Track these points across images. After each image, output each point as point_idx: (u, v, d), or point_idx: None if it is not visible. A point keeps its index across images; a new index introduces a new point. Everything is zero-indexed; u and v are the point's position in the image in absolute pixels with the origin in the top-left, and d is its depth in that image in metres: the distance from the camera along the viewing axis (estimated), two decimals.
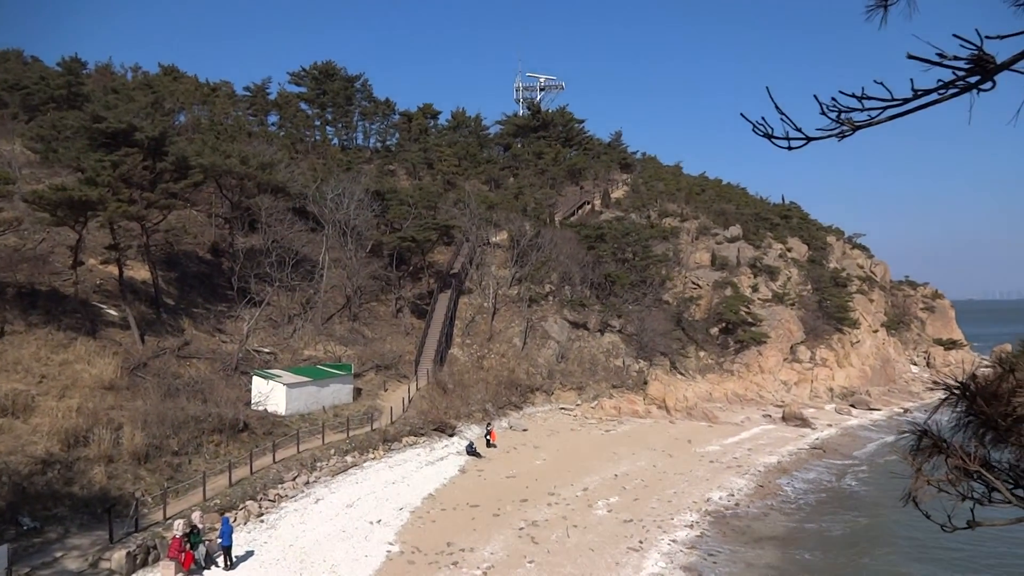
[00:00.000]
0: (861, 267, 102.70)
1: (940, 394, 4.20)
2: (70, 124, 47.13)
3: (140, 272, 45.03)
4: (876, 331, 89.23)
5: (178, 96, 75.67)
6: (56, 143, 46.96)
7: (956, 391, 4.08)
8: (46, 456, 26.48)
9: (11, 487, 24.34)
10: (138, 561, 23.33)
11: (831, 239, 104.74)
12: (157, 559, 23.80)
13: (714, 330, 76.44)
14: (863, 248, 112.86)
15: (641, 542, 29.92)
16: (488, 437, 42.96)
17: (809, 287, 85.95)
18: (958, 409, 4.15)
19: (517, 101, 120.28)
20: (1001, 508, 4.13)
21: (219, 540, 24.17)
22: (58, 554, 22.93)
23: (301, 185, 60.18)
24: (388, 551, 26.89)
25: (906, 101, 3.32)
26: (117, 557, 22.89)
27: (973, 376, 4.11)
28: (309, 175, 64.46)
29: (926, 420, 4.44)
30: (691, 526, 32.66)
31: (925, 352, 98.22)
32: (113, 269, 41.64)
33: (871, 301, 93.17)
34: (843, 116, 3.44)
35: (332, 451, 36.64)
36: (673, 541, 30.51)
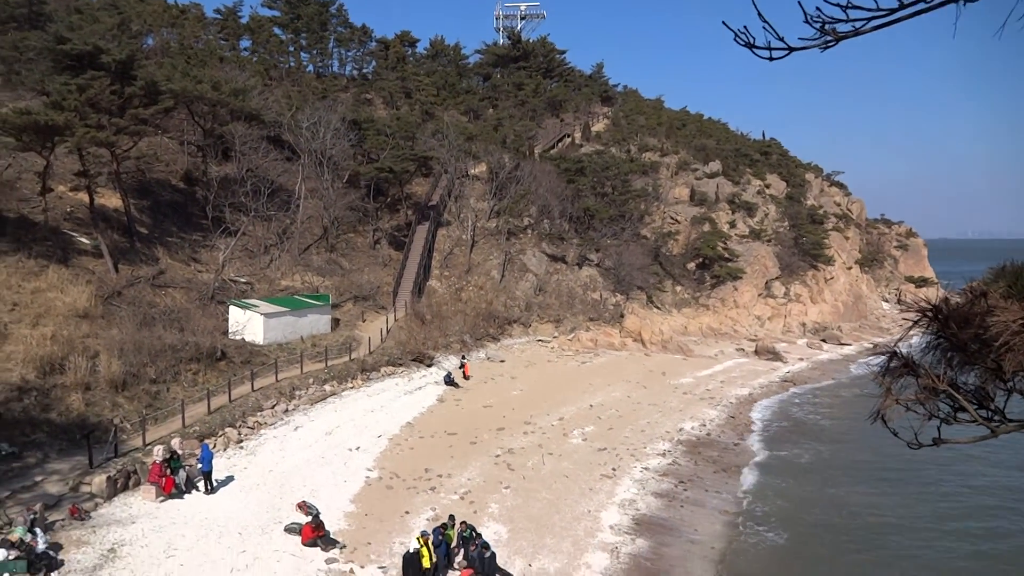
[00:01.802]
0: (838, 204, 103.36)
1: (912, 317, 4.29)
2: (33, 45, 45.34)
3: (112, 200, 44.13)
4: (850, 268, 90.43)
5: (145, 18, 72.77)
6: (19, 65, 45.26)
7: (928, 314, 4.17)
8: (22, 383, 26.40)
9: None
10: (119, 485, 23.58)
11: (809, 176, 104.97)
12: (138, 483, 24.07)
13: (691, 265, 77.06)
14: (841, 186, 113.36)
15: (614, 469, 30.73)
16: (462, 370, 43.32)
17: (786, 224, 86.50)
18: (929, 332, 4.24)
19: (497, 30, 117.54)
20: (966, 427, 4.27)
21: (199, 465, 24.45)
22: (38, 478, 23.09)
23: (275, 113, 58.79)
24: (367, 477, 27.40)
25: (892, 12, 3.27)
26: (98, 481, 23.11)
27: (945, 300, 4.20)
28: (284, 103, 62.92)
29: (896, 342, 4.54)
30: (663, 454, 33.55)
31: (897, 289, 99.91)
32: (84, 196, 40.76)
33: (846, 239, 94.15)
34: (827, 26, 3.38)
35: (311, 380, 36.88)
36: (646, 469, 31.36)
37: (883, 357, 4.31)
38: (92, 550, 19.67)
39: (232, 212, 48.69)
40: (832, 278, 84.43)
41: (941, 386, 4.08)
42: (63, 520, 20.93)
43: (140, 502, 23.10)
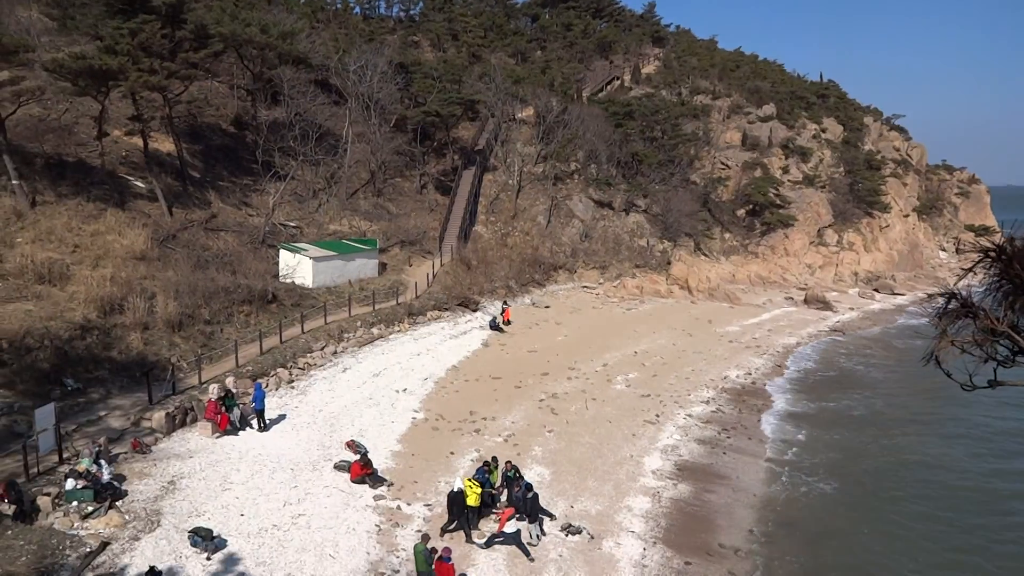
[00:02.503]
0: (897, 150, 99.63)
1: (974, 258, 4.13)
2: None
3: (165, 144, 44.88)
4: (907, 216, 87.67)
5: None
6: (73, 9, 45.73)
7: (991, 254, 4.01)
8: (84, 322, 27.39)
9: (53, 350, 25.35)
10: (177, 421, 24.53)
11: (868, 120, 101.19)
12: (195, 420, 25.00)
13: (741, 212, 75.52)
14: (901, 130, 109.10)
15: (658, 416, 30.83)
16: (503, 315, 43.40)
17: (841, 169, 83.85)
18: (991, 273, 4.08)
19: None
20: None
21: (252, 404, 25.24)
22: (102, 413, 24.15)
23: (323, 56, 58.64)
24: (413, 418, 28.00)
25: None
26: (157, 417, 24.07)
27: (1010, 240, 4.03)
28: (331, 46, 62.66)
29: (955, 283, 4.40)
30: (707, 402, 33.51)
31: (955, 238, 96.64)
32: (138, 141, 41.51)
33: (904, 185, 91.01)
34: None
35: (358, 323, 37.52)
36: (689, 416, 31.39)
37: (941, 299, 4.18)
38: (153, 481, 20.60)
39: (281, 156, 49.11)
40: (887, 226, 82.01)
41: (1001, 327, 3.95)
42: (126, 453, 21.91)
43: (197, 438, 24.02)
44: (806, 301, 60.55)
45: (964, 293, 4.23)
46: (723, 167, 78.88)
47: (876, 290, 69.59)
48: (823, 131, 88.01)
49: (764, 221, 72.96)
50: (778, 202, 73.44)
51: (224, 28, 46.01)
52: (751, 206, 74.81)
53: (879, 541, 22.06)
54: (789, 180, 77.49)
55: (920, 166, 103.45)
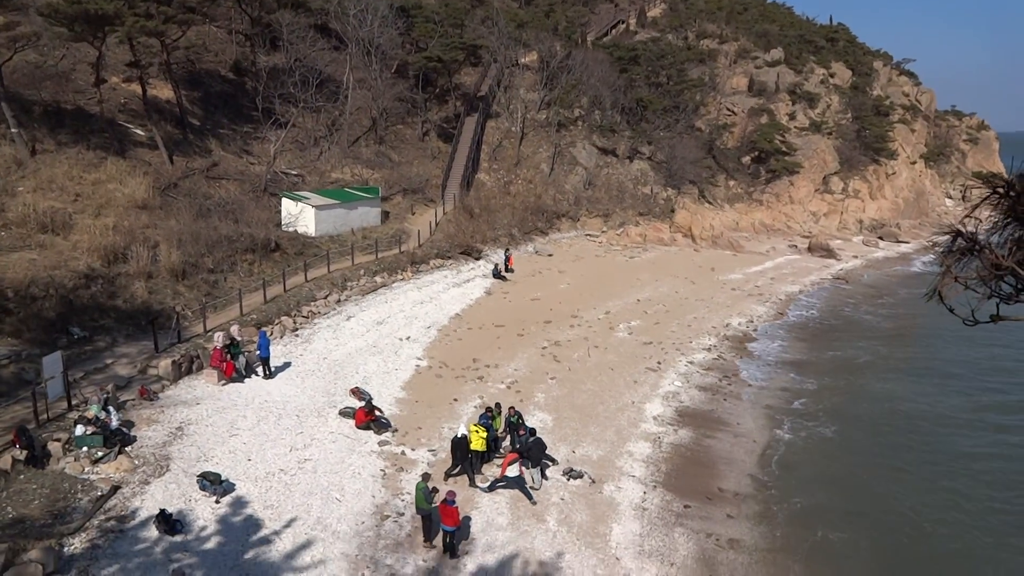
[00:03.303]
0: (906, 95, 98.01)
1: (981, 194, 4.10)
2: None
3: (163, 91, 44.32)
4: (914, 163, 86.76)
5: None
6: None
7: (999, 190, 3.97)
8: (88, 271, 27.46)
9: (59, 299, 25.48)
10: (183, 369, 24.78)
11: (878, 64, 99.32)
12: (200, 368, 25.24)
13: (746, 159, 74.80)
14: (911, 74, 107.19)
15: (659, 363, 31.05)
16: (506, 263, 43.42)
17: (849, 115, 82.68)
18: (998, 210, 4.06)
19: None
20: None
21: (257, 352, 25.45)
22: (108, 361, 24.38)
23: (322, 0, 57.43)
24: (417, 365, 28.23)
25: None
26: (164, 365, 24.31)
27: (1020, 175, 3.98)
28: None
29: (961, 220, 4.37)
30: (709, 349, 33.71)
31: (962, 185, 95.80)
32: (136, 87, 41.01)
33: (912, 131, 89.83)
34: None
35: (362, 272, 37.57)
36: (691, 363, 31.62)
37: (946, 237, 4.17)
38: (161, 428, 20.91)
39: (282, 103, 48.53)
40: (894, 173, 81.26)
41: (1007, 263, 3.94)
42: (133, 400, 22.19)
43: (203, 385, 24.29)
44: (810, 249, 60.40)
45: (970, 230, 4.21)
46: (729, 113, 77.84)
47: (880, 238, 69.36)
48: (831, 76, 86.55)
49: (769, 168, 72.29)
50: (784, 149, 72.65)
51: None
52: (756, 153, 74.03)
53: (877, 483, 22.42)
54: (795, 127, 76.51)
55: (929, 112, 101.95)
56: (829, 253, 59.34)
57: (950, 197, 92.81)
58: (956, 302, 4.32)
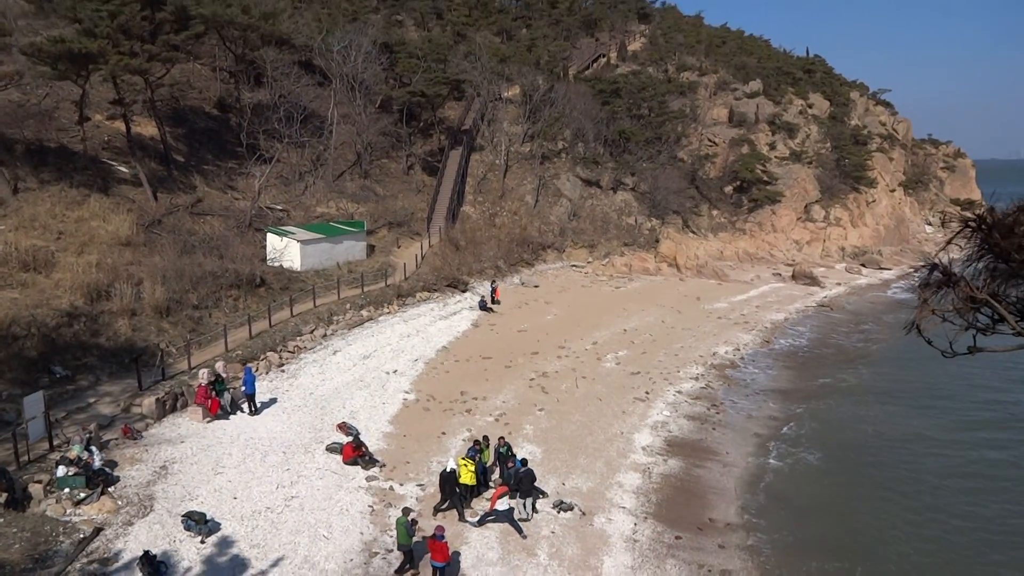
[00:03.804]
0: (883, 124, 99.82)
1: (955, 228, 4.19)
2: None
3: (147, 128, 44.39)
4: (893, 191, 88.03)
5: None
6: None
7: (972, 224, 4.06)
8: (71, 309, 27.22)
9: (41, 338, 25.21)
10: (167, 407, 24.49)
11: (854, 95, 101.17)
12: (185, 405, 24.97)
13: (728, 188, 75.62)
14: (887, 104, 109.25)
15: (647, 393, 31.03)
16: (493, 295, 43.44)
17: (828, 145, 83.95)
18: (972, 243, 4.15)
19: None
20: (1004, 338, 4.22)
21: (243, 388, 25.22)
22: (91, 400, 24.08)
23: (306, 36, 57.87)
24: (404, 399, 28.07)
25: None
26: (148, 403, 24.02)
27: (991, 209, 4.08)
28: (314, 25, 61.83)
29: (937, 253, 4.46)
30: (696, 378, 33.74)
31: (941, 212, 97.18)
32: (120, 125, 41.07)
33: (891, 160, 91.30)
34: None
35: (348, 305, 37.46)
36: (679, 392, 31.62)
37: (923, 270, 4.25)
38: (145, 467, 20.60)
39: (266, 139, 48.70)
40: (874, 201, 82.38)
41: (981, 295, 4.02)
42: (116, 439, 21.89)
43: (188, 422, 24.01)
44: (794, 277, 60.89)
45: (945, 263, 4.30)
46: (710, 144, 78.87)
47: (863, 265, 70.03)
48: (810, 107, 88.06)
49: (752, 197, 73.09)
50: (765, 178, 73.58)
51: (205, 9, 45.34)
52: (738, 183, 74.90)
53: (865, 509, 22.39)
54: (776, 156, 77.59)
55: (906, 141, 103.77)
56: (813, 281, 59.83)
57: (929, 224, 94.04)
58: (934, 334, 4.40)
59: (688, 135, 78.29)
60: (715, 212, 72.83)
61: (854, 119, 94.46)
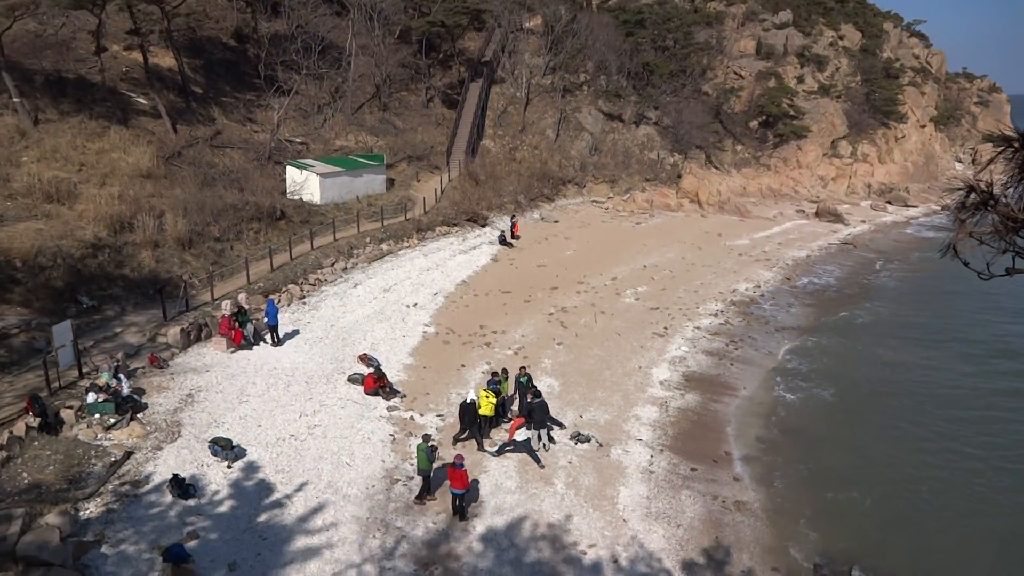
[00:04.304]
0: (917, 57, 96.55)
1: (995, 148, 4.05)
2: None
3: (165, 59, 43.96)
4: (924, 126, 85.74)
5: None
6: None
7: (1015, 144, 3.92)
8: (95, 240, 27.48)
9: (67, 268, 25.56)
10: (192, 337, 24.92)
11: (888, 26, 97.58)
12: (209, 336, 25.38)
13: (753, 123, 74.01)
14: (921, 36, 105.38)
15: (666, 328, 31.09)
16: (512, 230, 43.27)
17: (858, 78, 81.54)
18: (1013, 163, 4.01)
19: None
20: None
21: (265, 319, 25.55)
22: (118, 329, 24.54)
23: None
24: (424, 332, 28.34)
25: None
26: (172, 333, 24.45)
27: None
28: None
29: (976, 174, 4.34)
30: (715, 314, 33.70)
31: (972, 149, 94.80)
32: (137, 56, 40.67)
33: (922, 94, 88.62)
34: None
35: (368, 239, 37.55)
36: (697, 328, 31.65)
37: (961, 192, 4.13)
38: (172, 395, 21.10)
39: (284, 70, 48.11)
40: (903, 137, 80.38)
41: (1022, 216, 3.91)
42: (143, 368, 22.37)
43: (212, 352, 24.44)
44: (817, 214, 60.03)
45: (984, 184, 4.17)
46: (736, 77, 76.85)
47: (889, 202, 68.82)
48: (841, 38, 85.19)
49: (777, 132, 71.56)
50: (792, 113, 71.84)
51: None
52: (764, 117, 73.23)
53: (879, 445, 22.54)
54: (804, 90, 75.53)
55: (939, 74, 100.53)
56: (837, 218, 58.97)
57: (960, 161, 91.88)
58: (970, 257, 4.31)
59: (714, 68, 76.30)
60: (739, 147, 71.50)
61: (886, 51, 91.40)
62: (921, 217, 64.49)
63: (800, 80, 76.70)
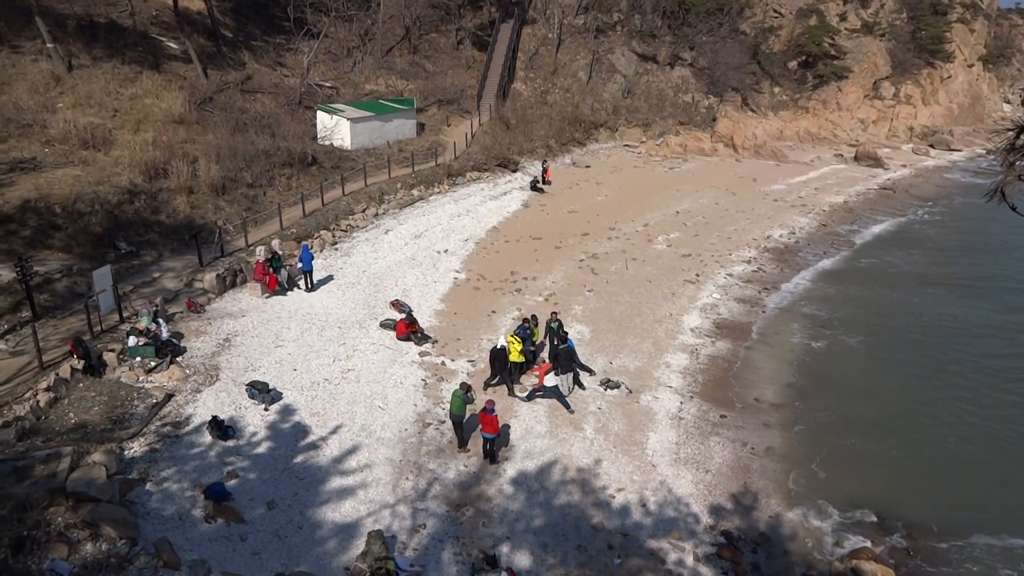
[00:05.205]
0: None
1: None
2: None
3: (194, 2, 43.70)
4: (971, 65, 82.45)
5: None
6: None
7: None
8: (131, 186, 27.85)
9: (104, 214, 25.99)
10: (227, 282, 25.34)
11: None
12: (244, 281, 25.78)
13: (792, 64, 71.72)
14: None
15: (698, 275, 30.88)
16: (543, 175, 42.85)
17: (904, 15, 78.33)
18: None
19: None
20: None
21: (299, 265, 25.86)
22: (155, 275, 25.02)
23: None
24: (455, 278, 28.49)
25: None
26: (208, 278, 24.88)
27: None
28: None
29: None
30: (748, 262, 33.35)
31: (1022, 90, 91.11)
32: None
33: (972, 32, 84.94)
34: None
35: (398, 185, 37.53)
36: (729, 275, 31.39)
37: (1009, 132, 3.98)
38: (209, 339, 21.59)
39: (313, 13, 47.57)
40: (949, 77, 77.45)
41: None
42: (181, 312, 22.86)
43: (248, 298, 24.86)
44: (856, 158, 58.53)
45: None
46: (775, 15, 74.25)
47: (931, 146, 66.79)
48: None
49: (817, 73, 69.33)
50: (833, 52, 69.43)
51: None
52: (804, 57, 70.89)
53: (909, 393, 22.40)
54: (846, 28, 72.81)
55: (991, 10, 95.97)
56: (877, 162, 57.46)
57: (1008, 102, 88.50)
58: (1019, 201, 4.18)
59: (752, 5, 73.63)
60: (777, 89, 69.52)
61: None
62: (965, 161, 62.54)
63: (843, 18, 73.88)
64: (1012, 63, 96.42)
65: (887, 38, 74.00)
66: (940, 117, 73.75)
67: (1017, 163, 3.97)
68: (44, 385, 17.33)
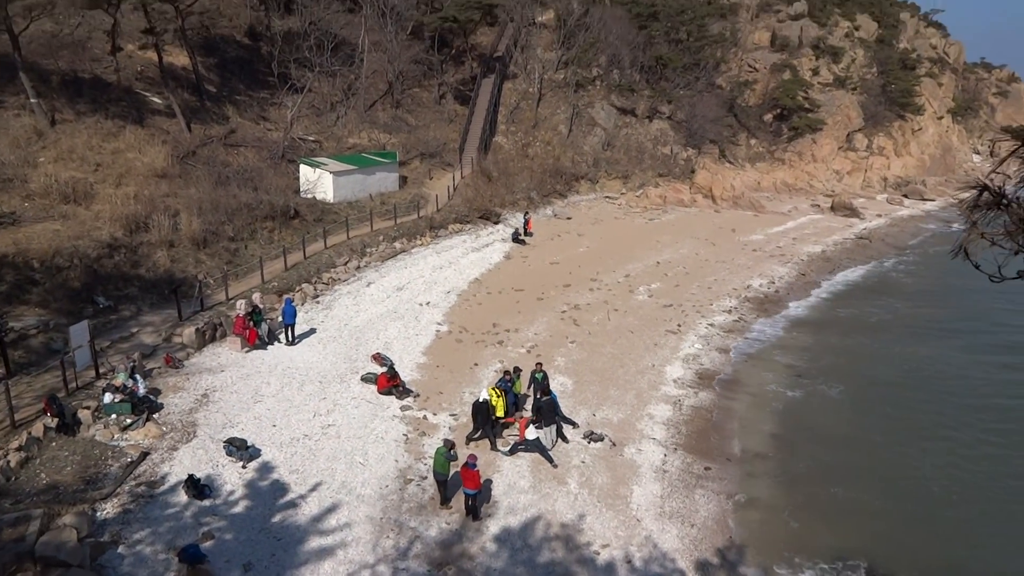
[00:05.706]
0: (934, 47, 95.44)
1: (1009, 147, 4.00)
2: None
3: (179, 58, 44.24)
4: (941, 118, 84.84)
5: None
6: None
7: None
8: (111, 240, 27.74)
9: (83, 269, 25.81)
10: (207, 337, 25.10)
11: (905, 16, 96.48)
12: (224, 335, 25.56)
13: (768, 116, 73.47)
14: (939, 26, 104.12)
15: (679, 325, 30.99)
16: (525, 226, 43.19)
17: (874, 70, 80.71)
18: None
19: None
20: None
21: (280, 318, 25.70)
22: (134, 329, 24.77)
23: None
24: (437, 330, 28.40)
25: None
26: (188, 333, 24.63)
27: None
28: None
29: (988, 174, 4.30)
30: (729, 311, 33.55)
31: (990, 141, 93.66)
32: (152, 55, 40.96)
33: (940, 85, 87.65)
34: None
35: (381, 237, 37.65)
36: (711, 325, 31.52)
37: (972, 191, 4.09)
38: (187, 395, 21.27)
39: (297, 68, 48.28)
40: (920, 129, 79.58)
41: None
42: (159, 368, 22.57)
43: (227, 352, 24.61)
44: (833, 208, 59.59)
45: (997, 184, 4.13)
46: (750, 70, 76.30)
47: (905, 196, 68.22)
48: (856, 29, 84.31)
49: (792, 126, 71.01)
50: (807, 106, 71.24)
51: None
52: (779, 110, 72.69)
53: (892, 444, 22.36)
54: (819, 82, 74.86)
55: (957, 65, 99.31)
56: (852, 212, 58.52)
57: (977, 153, 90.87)
58: (983, 259, 4.26)
59: (728, 61, 75.76)
60: (753, 141, 71.03)
61: (903, 42, 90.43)
62: (938, 210, 63.84)
63: (815, 72, 76.03)
64: (980, 115, 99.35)
65: (859, 92, 76.12)
66: (913, 168, 75.50)
67: (979, 221, 4.08)
68: (15, 444, 16.93)
